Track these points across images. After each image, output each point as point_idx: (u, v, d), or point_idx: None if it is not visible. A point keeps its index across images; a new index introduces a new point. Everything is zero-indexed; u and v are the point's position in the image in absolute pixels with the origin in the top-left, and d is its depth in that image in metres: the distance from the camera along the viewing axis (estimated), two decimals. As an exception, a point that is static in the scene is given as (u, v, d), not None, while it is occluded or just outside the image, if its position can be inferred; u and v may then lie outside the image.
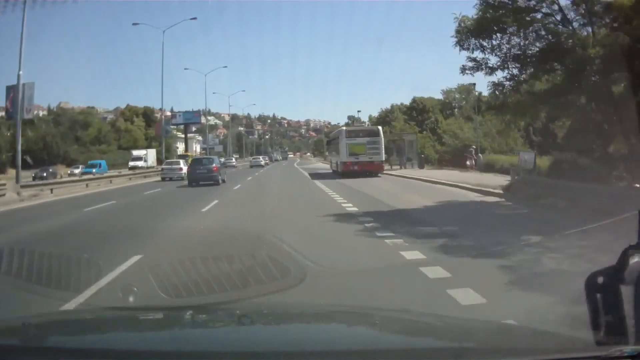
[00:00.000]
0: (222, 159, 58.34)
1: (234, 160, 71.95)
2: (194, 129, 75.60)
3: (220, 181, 24.43)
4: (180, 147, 78.62)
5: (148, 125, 76.16)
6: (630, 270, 1.64)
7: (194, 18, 54.76)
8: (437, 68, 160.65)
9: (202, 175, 24.13)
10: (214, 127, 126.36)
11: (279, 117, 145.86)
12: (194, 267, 3.89)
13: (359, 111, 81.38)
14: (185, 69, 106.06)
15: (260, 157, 73.82)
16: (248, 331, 2.33)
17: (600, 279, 1.66)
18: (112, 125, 75.75)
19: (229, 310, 2.79)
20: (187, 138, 72.83)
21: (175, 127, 75.01)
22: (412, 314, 2.88)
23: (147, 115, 79.29)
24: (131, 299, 3.14)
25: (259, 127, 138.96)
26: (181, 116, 70.20)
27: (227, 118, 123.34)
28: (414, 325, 2.47)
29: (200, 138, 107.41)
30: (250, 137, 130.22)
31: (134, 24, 46.96)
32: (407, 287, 5.52)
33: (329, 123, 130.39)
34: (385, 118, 64.98)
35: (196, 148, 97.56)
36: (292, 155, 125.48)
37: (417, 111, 62.42)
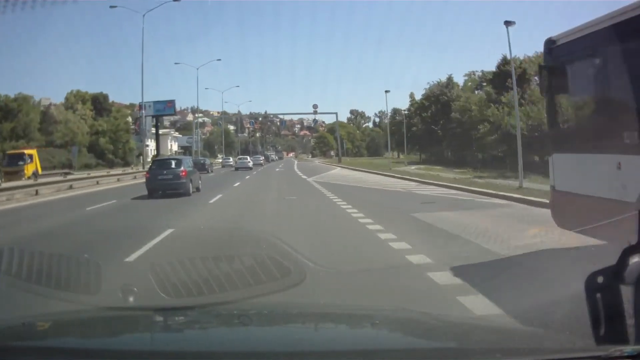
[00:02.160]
0: (205, 159, 48.32)
1: (231, 159, 60.81)
2: (175, 124, 66.18)
3: (190, 190, 18.42)
4: (152, 145, 62.38)
5: (99, 115, 60.52)
6: (630, 270, 1.65)
7: None
8: (436, 68, 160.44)
9: (165, 183, 18.11)
10: (201, 125, 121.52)
11: (271, 115, 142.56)
12: (194, 267, 3.89)
13: (387, 91, 51.08)
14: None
15: (248, 157, 59.06)
16: (248, 331, 2.33)
17: (600, 279, 1.66)
18: (43, 115, 55.92)
19: (229, 310, 2.79)
20: (158, 134, 58.07)
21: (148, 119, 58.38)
22: (412, 314, 2.88)
23: (99, 102, 62.50)
24: (131, 299, 3.14)
25: (249, 126, 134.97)
26: (151, 107, 54.88)
27: (215, 115, 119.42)
28: (414, 325, 2.47)
29: (177, 134, 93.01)
30: (239, 135, 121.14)
31: (111, 6, 40.62)
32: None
33: (324, 122, 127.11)
34: (438, 97, 54.13)
35: (172, 146, 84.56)
36: (285, 155, 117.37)
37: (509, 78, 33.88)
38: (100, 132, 57.84)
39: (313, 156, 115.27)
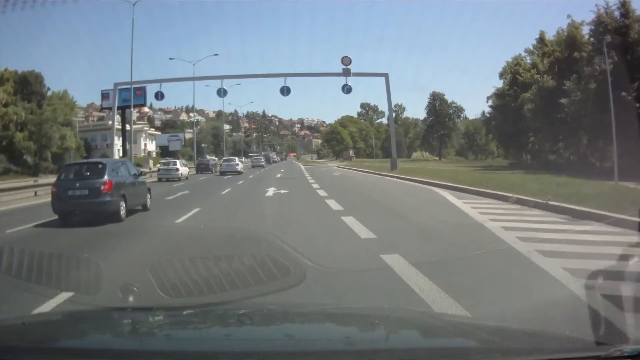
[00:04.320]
0: (210, 160, 43.98)
1: (237, 160, 43.53)
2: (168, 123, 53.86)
3: (122, 212, 11.63)
4: (119, 144, 46.40)
5: (27, 101, 41.90)
6: (630, 270, 1.65)
7: None
8: (433, 69, 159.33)
9: (78, 202, 11.41)
10: (195, 124, 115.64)
11: (270, 115, 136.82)
12: (194, 267, 3.90)
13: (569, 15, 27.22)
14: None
15: (236, 158, 45.82)
16: (248, 331, 2.34)
17: (600, 279, 1.67)
18: None
19: (229, 310, 2.79)
20: (124, 130, 43.76)
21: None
22: (412, 314, 2.88)
23: (29, 84, 43.77)
24: (131, 299, 3.15)
25: (246, 124, 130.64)
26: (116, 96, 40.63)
27: (211, 115, 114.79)
28: (414, 325, 2.47)
29: (156, 132, 75.27)
30: (233, 134, 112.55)
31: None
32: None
33: (324, 122, 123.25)
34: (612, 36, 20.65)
35: (147, 146, 67.19)
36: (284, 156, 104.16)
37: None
38: (18, 124, 39.16)
39: (319, 157, 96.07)
